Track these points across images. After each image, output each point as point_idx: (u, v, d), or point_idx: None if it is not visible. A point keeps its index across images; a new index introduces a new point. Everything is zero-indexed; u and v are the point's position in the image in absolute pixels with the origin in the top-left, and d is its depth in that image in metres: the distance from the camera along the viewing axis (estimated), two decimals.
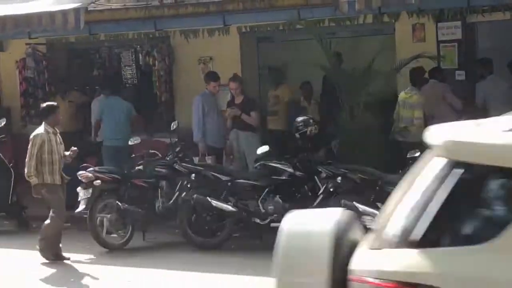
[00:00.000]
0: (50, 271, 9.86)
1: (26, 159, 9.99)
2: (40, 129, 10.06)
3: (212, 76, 12.36)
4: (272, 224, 10.28)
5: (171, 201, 10.93)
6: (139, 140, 11.87)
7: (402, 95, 11.46)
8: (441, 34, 12.11)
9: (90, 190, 10.64)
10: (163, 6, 12.03)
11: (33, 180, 9.91)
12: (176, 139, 11.74)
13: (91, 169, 10.83)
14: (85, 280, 9.53)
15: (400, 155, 10.35)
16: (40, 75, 14.94)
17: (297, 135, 10.87)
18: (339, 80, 11.35)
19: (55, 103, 10.78)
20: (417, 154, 9.92)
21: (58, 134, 10.24)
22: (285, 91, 13.15)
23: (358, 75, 11.24)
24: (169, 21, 12.57)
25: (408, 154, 9.96)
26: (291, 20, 12.05)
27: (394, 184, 9.61)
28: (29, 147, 10.00)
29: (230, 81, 12.19)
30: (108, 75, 14.93)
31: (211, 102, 12.22)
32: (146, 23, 12.61)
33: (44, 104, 10.66)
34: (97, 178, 10.68)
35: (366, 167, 10.00)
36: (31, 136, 10.08)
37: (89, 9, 11.55)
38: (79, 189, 10.70)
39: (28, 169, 9.93)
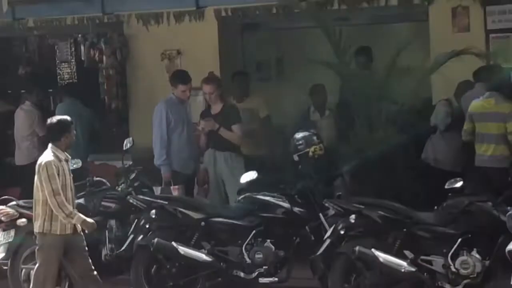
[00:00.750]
0: None
1: (51, 200, 9.18)
2: (48, 155, 9.33)
3: (180, 77, 12.33)
4: (261, 279, 10.26)
5: (123, 247, 10.87)
6: (80, 164, 11.81)
7: (478, 104, 11.18)
8: (492, 22, 12.13)
9: (12, 232, 10.60)
10: None
11: (77, 217, 9.30)
12: (131, 162, 11.71)
13: (13, 203, 10.78)
14: None
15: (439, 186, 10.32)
16: None
17: (295, 157, 10.82)
18: (354, 83, 11.33)
19: (68, 118, 9.90)
20: (459, 184, 9.94)
21: (70, 162, 9.79)
22: (259, 102, 13.10)
23: (380, 77, 11.20)
24: (122, 1, 12.57)
25: (447, 184, 9.95)
26: (287, 1, 12.04)
27: (428, 226, 9.68)
28: (42, 179, 9.26)
29: (205, 84, 12.17)
30: (39, 74, 14.88)
31: (179, 112, 12.20)
32: (90, 4, 12.61)
33: (54, 120, 9.80)
34: (21, 215, 10.63)
35: (389, 201, 9.96)
36: (42, 164, 9.30)
37: None
38: None
39: (63, 210, 9.19)
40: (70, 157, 9.65)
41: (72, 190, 9.47)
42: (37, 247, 9.38)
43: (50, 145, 9.39)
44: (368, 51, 12.37)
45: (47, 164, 9.19)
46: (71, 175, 9.57)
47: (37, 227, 9.31)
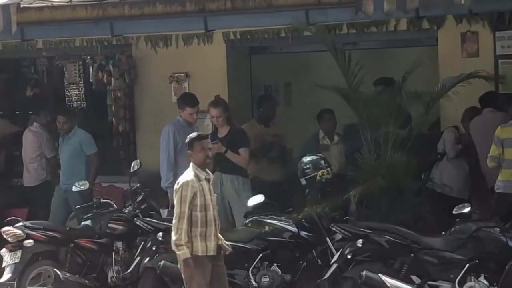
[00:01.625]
0: None
1: (174, 221, 8.99)
2: (189, 174, 9.11)
3: (188, 100, 12.35)
4: None
5: (130, 269, 10.90)
6: (88, 186, 11.84)
7: (508, 129, 11.07)
8: (501, 47, 12.13)
9: (19, 253, 10.60)
10: (123, 3, 12.04)
11: (184, 252, 8.91)
12: (138, 185, 11.72)
13: (20, 224, 10.79)
14: None
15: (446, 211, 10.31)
16: None
17: (303, 180, 10.83)
18: (361, 106, 11.32)
19: (203, 135, 9.68)
20: (467, 209, 9.94)
21: (211, 180, 9.45)
22: (285, 127, 13.14)
23: (387, 100, 11.21)
24: (131, 23, 12.57)
25: (455, 209, 9.95)
26: (297, 25, 12.05)
27: (435, 251, 9.66)
28: (175, 199, 9.11)
29: (212, 107, 12.17)
30: (47, 95, 14.89)
31: (186, 135, 12.12)
32: (99, 26, 12.61)
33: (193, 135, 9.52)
34: (28, 236, 10.64)
35: (396, 226, 9.96)
36: (179, 183, 9.09)
37: (22, 5, 11.55)
38: (3, 251, 10.68)
39: (178, 235, 8.93)
40: (211, 175, 9.42)
41: (215, 209, 9.23)
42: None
43: (191, 163, 9.21)
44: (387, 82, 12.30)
45: (183, 185, 8.98)
46: (214, 194, 9.32)
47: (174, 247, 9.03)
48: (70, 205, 12.63)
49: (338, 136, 12.75)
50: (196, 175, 9.03)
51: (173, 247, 8.96)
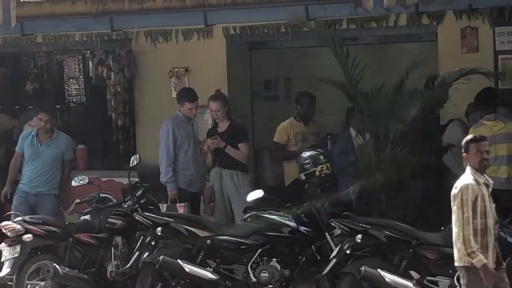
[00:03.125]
0: None
1: (455, 229, 8.36)
2: (467, 178, 8.37)
3: (187, 95, 12.35)
4: None
5: (129, 264, 10.90)
6: (87, 180, 11.84)
7: (487, 127, 11.08)
8: (500, 42, 12.13)
9: (18, 248, 10.61)
10: None
11: (479, 259, 8.12)
12: (137, 179, 11.74)
13: (19, 218, 10.80)
14: None
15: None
16: None
17: (302, 176, 10.84)
18: (361, 102, 11.33)
19: (480, 136, 8.73)
20: None
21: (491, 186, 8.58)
22: (322, 123, 13.01)
23: (388, 96, 11.22)
24: (131, 18, 12.60)
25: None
26: (296, 20, 12.07)
27: (434, 246, 9.66)
28: (455, 204, 8.41)
29: (211, 101, 12.18)
30: (46, 90, 14.90)
31: (185, 130, 12.21)
32: (99, 21, 12.64)
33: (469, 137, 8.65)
34: (27, 231, 10.65)
35: (396, 222, 9.97)
36: (458, 187, 8.39)
37: (22, 0, 11.54)
38: (2, 245, 10.70)
39: (466, 243, 8.21)
40: (491, 181, 8.53)
41: (494, 218, 8.45)
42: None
43: (468, 167, 8.44)
44: None
45: (463, 188, 8.29)
46: (493, 203, 8.49)
47: (457, 258, 8.36)
48: (35, 210, 12.41)
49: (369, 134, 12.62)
50: (475, 179, 8.32)
51: (462, 258, 8.27)
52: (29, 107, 14.30)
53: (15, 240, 10.61)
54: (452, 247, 9.52)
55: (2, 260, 10.66)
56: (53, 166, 12.49)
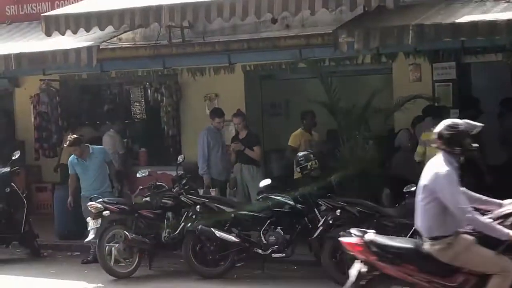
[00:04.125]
0: None
1: None
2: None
3: (217, 112, 12.36)
4: (274, 255, 10.26)
5: (177, 232, 10.86)
6: (147, 173, 11.89)
7: (430, 134, 10.94)
8: (437, 74, 12.10)
9: (99, 221, 10.63)
10: (172, 45, 12.07)
11: None
12: (182, 172, 11.72)
13: (100, 200, 10.82)
14: None
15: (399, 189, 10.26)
16: (53, 110, 15.00)
17: (298, 169, 10.85)
18: (340, 116, 11.32)
19: None
20: (413, 188, 9.90)
21: None
22: (319, 132, 12.72)
23: (358, 112, 11.20)
24: (177, 59, 12.61)
25: (405, 188, 9.92)
26: (293, 59, 12.05)
27: (391, 217, 9.65)
28: None
29: (234, 117, 12.21)
30: (118, 110, 14.92)
31: (216, 137, 12.23)
32: (155, 61, 12.65)
33: None
34: (106, 208, 10.67)
35: (364, 200, 9.93)
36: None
37: (101, 47, 11.58)
38: (88, 219, 10.70)
39: None
40: None
41: None
42: None
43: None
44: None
45: None
46: None
47: None
48: None
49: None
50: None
51: None
52: (106, 122, 14.31)
53: (97, 215, 10.62)
54: (404, 218, 9.50)
55: (88, 229, 10.67)
56: (100, 171, 11.63)
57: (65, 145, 12.80)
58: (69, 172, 11.76)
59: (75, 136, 11.75)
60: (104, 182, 11.63)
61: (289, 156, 11.97)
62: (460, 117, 11.57)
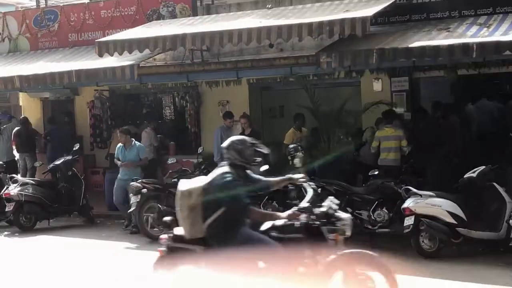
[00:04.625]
0: (113, 251, 9.82)
1: None
2: None
3: (228, 115, 12.39)
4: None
5: None
6: (175, 160, 11.91)
7: (383, 131, 10.77)
8: (394, 86, 12.11)
9: (139, 196, 10.66)
10: (194, 63, 12.09)
11: None
12: (202, 160, 11.76)
13: (139, 180, 10.85)
14: (132, 259, 9.46)
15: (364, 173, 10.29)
16: (104, 113, 15.01)
17: (289, 157, 10.84)
18: (319, 118, 11.34)
19: None
20: (376, 172, 9.94)
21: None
22: (307, 131, 12.48)
23: (333, 115, 11.22)
24: (198, 74, 12.63)
25: (370, 172, 9.96)
26: (285, 75, 12.09)
27: (359, 194, 9.67)
28: None
29: (241, 118, 12.21)
30: (154, 113, 14.92)
31: (227, 133, 12.18)
32: (181, 76, 12.67)
33: None
34: (144, 187, 10.70)
35: (339, 181, 9.94)
36: None
37: (140, 65, 11.61)
38: (131, 195, 10.71)
39: None
40: None
41: None
42: None
43: None
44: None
45: None
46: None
47: None
48: (126, 190, 11.11)
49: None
50: None
51: None
52: (144, 122, 14.32)
53: (137, 192, 10.65)
54: (369, 195, 9.49)
55: (130, 203, 10.69)
56: (134, 162, 11.31)
57: (113, 140, 12.85)
58: (115, 156, 11.57)
59: (127, 127, 11.74)
60: (136, 171, 11.30)
61: (284, 151, 11.97)
62: (412, 119, 11.83)
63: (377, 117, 11.56)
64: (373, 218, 9.40)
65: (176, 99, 14.33)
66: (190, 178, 10.84)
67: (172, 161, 11.90)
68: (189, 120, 14.11)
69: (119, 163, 11.36)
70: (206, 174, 11.06)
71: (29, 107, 16.13)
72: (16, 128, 15.08)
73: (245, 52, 11.82)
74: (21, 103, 16.67)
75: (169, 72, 12.27)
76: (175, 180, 11.17)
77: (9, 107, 19.54)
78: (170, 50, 11.86)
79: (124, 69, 11.31)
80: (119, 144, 11.57)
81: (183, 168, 11.52)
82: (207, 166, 11.34)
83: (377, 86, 12.13)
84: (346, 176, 10.50)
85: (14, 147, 15.02)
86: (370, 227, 9.39)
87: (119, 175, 11.45)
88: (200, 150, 11.93)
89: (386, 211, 9.37)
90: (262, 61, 11.40)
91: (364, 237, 9.13)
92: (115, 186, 11.47)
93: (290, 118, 12.99)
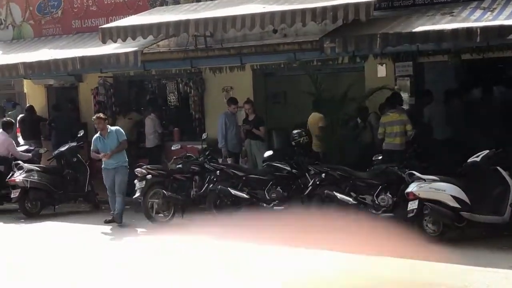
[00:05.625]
0: (117, 237, 9.88)
1: None
2: None
3: (232, 100, 12.38)
4: (275, 207, 10.29)
5: (202, 190, 10.90)
6: (179, 146, 11.93)
7: (387, 117, 10.69)
8: (398, 71, 12.04)
9: (144, 182, 10.68)
10: (197, 49, 12.08)
11: None
12: (206, 146, 11.76)
13: (144, 166, 10.86)
14: (139, 242, 9.50)
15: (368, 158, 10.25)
16: (108, 99, 14.97)
17: (293, 143, 10.86)
18: (324, 104, 11.30)
19: None
20: (380, 157, 9.92)
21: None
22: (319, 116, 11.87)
23: (337, 100, 11.19)
24: (201, 60, 12.61)
25: (374, 157, 9.94)
26: (289, 60, 12.03)
27: (363, 179, 9.67)
28: None
29: (245, 104, 12.20)
30: (157, 99, 14.91)
31: (231, 119, 12.25)
32: (184, 62, 12.65)
33: None
34: (148, 173, 10.71)
35: (342, 166, 9.93)
36: None
37: (144, 51, 11.58)
38: (136, 181, 10.74)
39: None
40: None
41: None
42: None
43: None
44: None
45: None
46: None
47: None
48: (115, 176, 10.70)
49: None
50: None
51: None
52: (148, 108, 14.27)
53: (142, 178, 10.66)
54: (373, 180, 9.48)
55: (135, 188, 10.70)
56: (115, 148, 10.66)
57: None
58: (91, 149, 10.92)
59: (100, 114, 11.02)
60: (121, 156, 10.75)
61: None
62: (416, 103, 11.79)
63: (380, 103, 11.54)
64: (377, 202, 9.40)
65: (180, 85, 14.27)
66: (194, 163, 11.18)
67: (177, 147, 11.91)
68: (193, 106, 14.07)
69: (99, 155, 10.69)
70: (210, 160, 11.21)
71: (34, 94, 16.13)
72: (20, 115, 15.10)
73: (248, 37, 11.78)
74: (25, 90, 16.66)
75: (173, 58, 12.25)
76: (179, 166, 11.23)
77: (14, 94, 19.56)
78: (173, 36, 11.82)
79: (128, 55, 11.28)
80: (95, 136, 10.85)
81: (187, 154, 11.53)
82: (211, 152, 11.35)
83: (381, 71, 12.06)
84: (352, 160, 10.40)
85: (18, 134, 15.05)
86: (374, 211, 9.39)
87: (103, 165, 10.75)
88: (204, 136, 11.93)
89: (390, 195, 9.37)
90: (265, 47, 11.37)
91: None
92: (103, 177, 10.81)
93: (293, 104, 12.99)
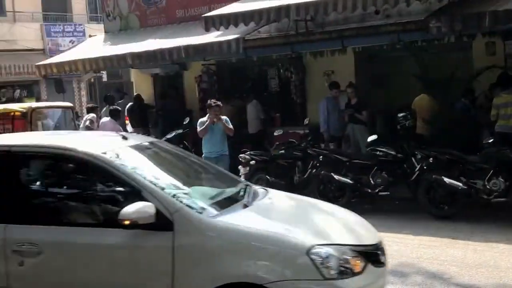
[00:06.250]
0: None
1: None
2: None
3: (334, 85, 12.26)
4: (380, 193, 10.11)
5: (305, 176, 10.90)
6: (282, 132, 11.95)
7: (501, 98, 10.04)
8: (508, 49, 11.48)
9: (248, 168, 10.80)
10: (298, 34, 11.97)
11: None
12: (308, 131, 11.71)
13: (248, 152, 10.96)
14: None
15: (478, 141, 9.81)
16: (212, 86, 15.24)
17: (398, 126, 10.60)
18: (429, 85, 10.93)
19: None
20: (491, 140, 9.50)
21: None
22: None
23: (444, 81, 10.78)
24: (302, 45, 12.47)
25: (484, 140, 9.55)
26: (392, 42, 11.69)
27: (474, 163, 9.29)
28: None
29: (347, 87, 12.03)
30: (257, 85, 14.96)
31: (333, 104, 12.13)
32: (285, 47, 12.58)
33: None
34: (252, 159, 10.80)
35: (452, 150, 9.59)
36: None
37: (246, 38, 11.63)
38: (240, 167, 10.87)
39: None
40: None
41: None
42: None
43: None
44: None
45: None
46: None
47: None
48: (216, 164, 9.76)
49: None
50: None
51: None
52: (250, 94, 14.35)
53: (246, 164, 10.78)
54: (484, 164, 9.07)
55: (239, 174, 10.82)
56: (221, 136, 10.42)
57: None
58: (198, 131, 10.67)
59: (218, 102, 10.75)
60: (223, 145, 10.45)
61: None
62: None
63: (490, 83, 11.02)
64: (488, 187, 9.01)
65: (281, 71, 14.28)
66: (296, 149, 11.15)
67: (279, 133, 11.95)
68: (294, 91, 14.04)
69: (208, 123, 10.17)
70: (313, 145, 11.15)
71: (141, 83, 16.64)
72: (129, 104, 15.62)
73: (350, 20, 11.56)
74: (132, 79, 17.23)
75: (274, 44, 12.22)
76: (282, 151, 11.24)
77: (121, 84, 20.30)
78: (274, 22, 11.78)
79: (230, 43, 11.38)
80: (202, 119, 10.40)
81: (289, 139, 11.53)
82: (313, 137, 11.30)
83: (490, 50, 11.51)
84: (462, 144, 10.00)
85: (127, 122, 15.58)
86: (485, 196, 9.02)
87: (204, 153, 10.49)
88: (306, 121, 11.87)
89: (502, 180, 8.97)
90: (368, 29, 11.11)
91: None
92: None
93: (397, 87, 12.65)
